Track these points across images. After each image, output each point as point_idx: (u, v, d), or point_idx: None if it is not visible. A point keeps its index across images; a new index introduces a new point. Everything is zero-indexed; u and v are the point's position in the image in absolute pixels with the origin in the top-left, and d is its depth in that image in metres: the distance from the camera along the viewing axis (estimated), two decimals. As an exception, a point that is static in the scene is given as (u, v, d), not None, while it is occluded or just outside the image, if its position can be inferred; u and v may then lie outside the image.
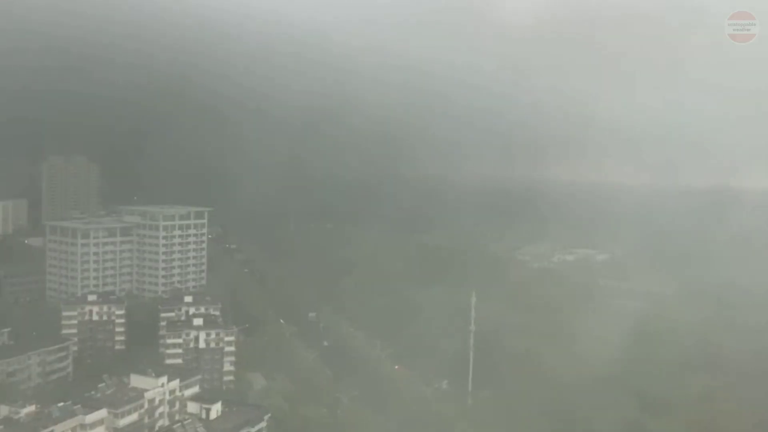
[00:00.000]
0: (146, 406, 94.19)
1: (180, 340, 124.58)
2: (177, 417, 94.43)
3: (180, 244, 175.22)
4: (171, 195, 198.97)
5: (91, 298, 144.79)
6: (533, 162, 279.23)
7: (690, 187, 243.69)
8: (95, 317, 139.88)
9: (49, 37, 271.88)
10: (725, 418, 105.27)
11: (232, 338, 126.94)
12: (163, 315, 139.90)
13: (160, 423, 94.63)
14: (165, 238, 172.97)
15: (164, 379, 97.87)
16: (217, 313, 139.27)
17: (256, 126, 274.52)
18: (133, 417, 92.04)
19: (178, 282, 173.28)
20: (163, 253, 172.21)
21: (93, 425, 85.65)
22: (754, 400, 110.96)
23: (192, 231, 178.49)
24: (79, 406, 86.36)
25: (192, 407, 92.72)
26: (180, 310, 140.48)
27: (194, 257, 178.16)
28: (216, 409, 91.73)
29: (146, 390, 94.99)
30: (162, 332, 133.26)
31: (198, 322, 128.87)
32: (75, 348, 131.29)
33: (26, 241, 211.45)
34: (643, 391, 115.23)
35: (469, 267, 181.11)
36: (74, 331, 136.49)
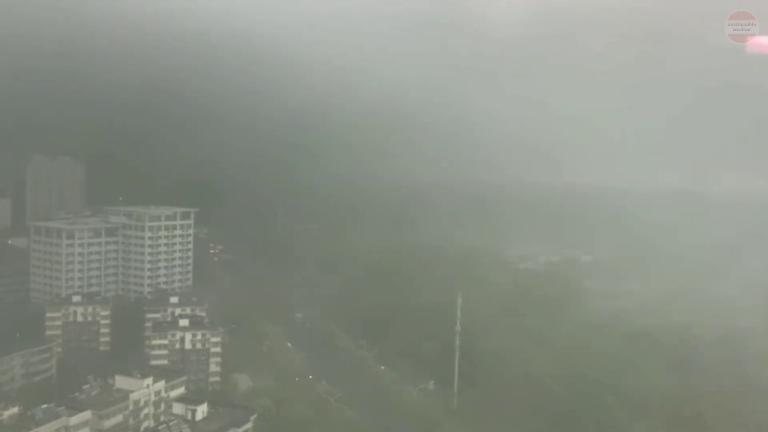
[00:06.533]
0: (131, 407, 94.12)
1: (166, 341, 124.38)
2: (162, 418, 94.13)
3: (166, 244, 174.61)
4: (158, 196, 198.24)
5: (76, 299, 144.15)
6: (513, 166, 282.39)
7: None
8: (80, 318, 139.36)
9: (37, 38, 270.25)
10: (702, 418, 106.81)
11: (218, 339, 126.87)
12: (148, 316, 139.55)
13: (145, 424, 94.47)
14: (150, 238, 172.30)
15: (149, 380, 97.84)
16: (203, 313, 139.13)
17: (242, 129, 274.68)
18: (118, 418, 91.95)
19: (164, 283, 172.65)
20: (149, 253, 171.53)
21: (77, 427, 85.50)
22: (730, 401, 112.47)
23: (178, 231, 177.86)
24: (63, 407, 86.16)
25: (177, 408, 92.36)
26: (166, 310, 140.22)
27: (180, 258, 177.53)
28: (202, 410, 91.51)
29: (131, 391, 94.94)
30: (147, 333, 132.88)
31: (184, 322, 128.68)
32: (59, 349, 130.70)
33: (10, 242, 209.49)
34: (626, 390, 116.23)
35: (454, 268, 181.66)
36: (58, 332, 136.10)
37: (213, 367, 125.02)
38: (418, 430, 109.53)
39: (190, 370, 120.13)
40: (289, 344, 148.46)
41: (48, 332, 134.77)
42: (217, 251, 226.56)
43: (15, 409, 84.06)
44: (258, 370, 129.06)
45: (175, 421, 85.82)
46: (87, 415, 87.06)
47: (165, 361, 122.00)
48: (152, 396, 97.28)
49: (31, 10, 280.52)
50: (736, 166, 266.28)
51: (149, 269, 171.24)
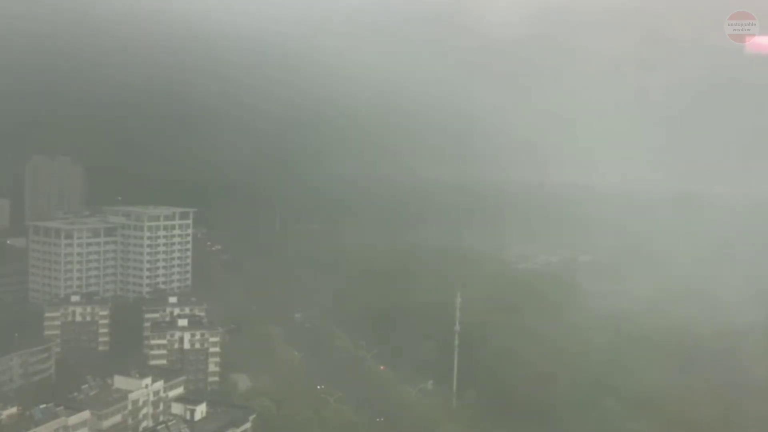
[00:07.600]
0: (130, 407, 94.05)
1: (164, 341, 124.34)
2: (161, 418, 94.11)
3: (164, 244, 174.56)
4: (157, 196, 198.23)
5: (75, 298, 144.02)
6: (512, 166, 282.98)
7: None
8: (78, 318, 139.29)
9: (37, 37, 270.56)
10: (703, 417, 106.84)
11: (217, 339, 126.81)
12: (147, 316, 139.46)
13: (143, 424, 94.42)
14: (149, 238, 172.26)
15: (148, 380, 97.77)
16: (202, 313, 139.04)
17: (242, 128, 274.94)
18: (117, 418, 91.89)
19: (163, 283, 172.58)
20: (148, 253, 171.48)
21: (76, 427, 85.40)
22: (730, 399, 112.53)
23: (177, 231, 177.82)
24: (61, 407, 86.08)
25: (176, 408, 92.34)
26: (164, 310, 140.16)
27: (179, 258, 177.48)
28: (200, 410, 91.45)
29: (130, 391, 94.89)
30: (146, 333, 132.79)
31: (183, 322, 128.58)
32: (58, 349, 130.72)
33: (8, 242, 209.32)
34: (625, 390, 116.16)
35: (454, 267, 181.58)
36: (57, 332, 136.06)
37: (212, 367, 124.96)
38: (417, 430, 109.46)
39: (189, 370, 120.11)
40: (288, 344, 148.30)
41: (47, 332, 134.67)
42: (215, 251, 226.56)
43: (14, 409, 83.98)
44: (257, 370, 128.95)
45: (173, 421, 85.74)
46: (86, 415, 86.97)
47: (164, 361, 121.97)
48: (151, 396, 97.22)
49: (33, 10, 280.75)
50: (735, 166, 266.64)
51: (148, 269, 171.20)
